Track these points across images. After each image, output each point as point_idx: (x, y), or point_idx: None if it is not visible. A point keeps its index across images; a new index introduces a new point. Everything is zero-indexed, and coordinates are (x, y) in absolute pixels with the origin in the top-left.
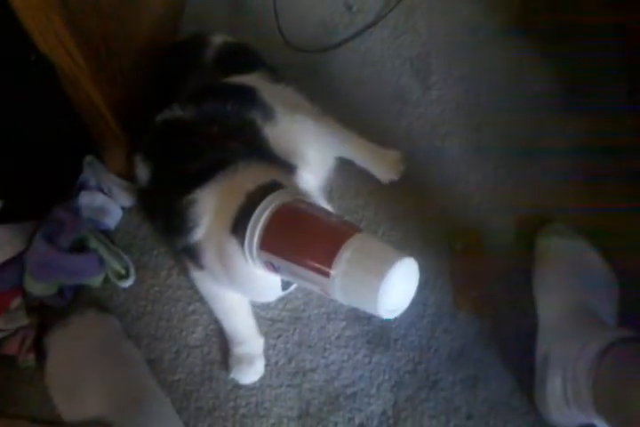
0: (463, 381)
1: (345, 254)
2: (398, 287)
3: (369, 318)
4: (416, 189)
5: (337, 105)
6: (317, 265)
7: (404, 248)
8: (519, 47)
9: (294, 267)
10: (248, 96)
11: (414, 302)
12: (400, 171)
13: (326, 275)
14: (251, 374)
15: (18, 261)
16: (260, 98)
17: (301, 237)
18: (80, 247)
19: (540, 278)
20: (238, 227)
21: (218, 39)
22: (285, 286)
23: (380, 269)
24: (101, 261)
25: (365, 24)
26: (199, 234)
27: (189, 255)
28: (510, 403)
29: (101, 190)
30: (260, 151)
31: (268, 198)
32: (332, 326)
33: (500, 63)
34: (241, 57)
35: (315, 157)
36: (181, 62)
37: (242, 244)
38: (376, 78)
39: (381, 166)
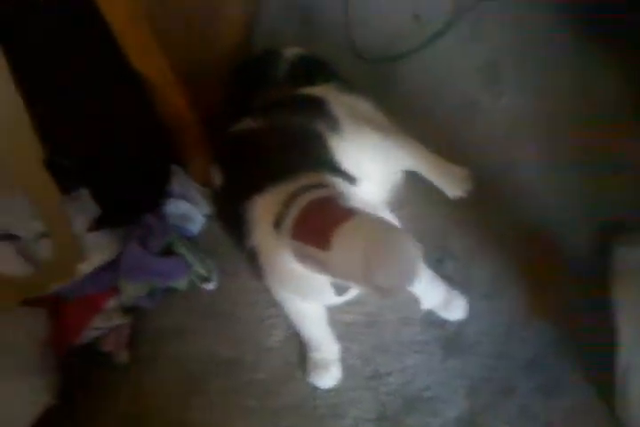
0: (539, 388)
1: (341, 231)
2: (386, 262)
3: (443, 324)
4: (489, 197)
5: (407, 114)
6: (321, 241)
7: (475, 256)
8: (592, 58)
9: (309, 249)
10: (316, 107)
11: (488, 310)
12: (468, 188)
13: (327, 249)
14: (327, 378)
15: (114, 264)
16: (328, 109)
17: (317, 223)
18: (167, 252)
19: (620, 292)
20: (279, 221)
21: (290, 52)
22: (340, 291)
23: (364, 241)
24: (187, 265)
25: (434, 33)
26: (255, 237)
27: (251, 261)
28: (589, 411)
29: (186, 198)
30: (324, 163)
31: (304, 195)
32: (406, 330)
33: (572, 73)
34: (313, 69)
35: (380, 171)
36: (257, 76)
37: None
38: (445, 87)
39: (449, 183)
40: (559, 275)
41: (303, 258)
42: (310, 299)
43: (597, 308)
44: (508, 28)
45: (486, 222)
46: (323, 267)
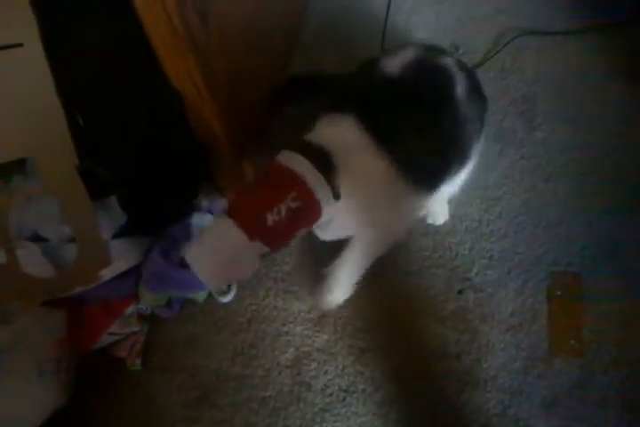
0: None
1: None
2: None
3: (458, 355)
4: (515, 228)
5: None
6: None
7: (499, 289)
8: (631, 93)
9: None
10: None
11: (507, 344)
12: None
13: None
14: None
15: (135, 271)
16: None
17: None
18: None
19: None
20: None
21: None
22: None
23: None
24: None
25: (472, 64)
26: None
27: None
28: None
29: (211, 212)
30: None
31: None
32: (420, 359)
33: (610, 108)
34: None
35: None
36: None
37: None
38: None
39: (434, 209)
40: (584, 313)
41: None
42: None
43: (625, 349)
44: (548, 63)
45: (510, 255)
46: None
